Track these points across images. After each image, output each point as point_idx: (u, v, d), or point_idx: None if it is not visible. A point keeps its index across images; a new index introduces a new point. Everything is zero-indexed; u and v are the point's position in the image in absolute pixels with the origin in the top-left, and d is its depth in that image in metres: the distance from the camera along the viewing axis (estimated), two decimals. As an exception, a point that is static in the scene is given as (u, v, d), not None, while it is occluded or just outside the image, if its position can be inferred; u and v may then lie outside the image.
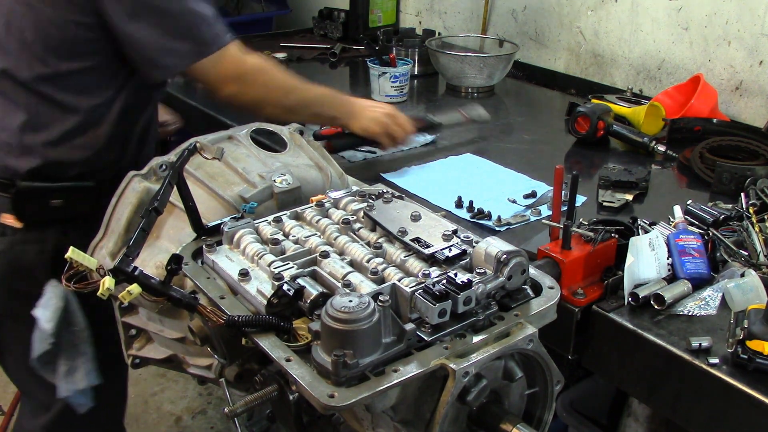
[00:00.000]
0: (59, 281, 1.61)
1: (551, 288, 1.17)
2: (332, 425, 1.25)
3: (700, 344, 1.21)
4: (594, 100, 2.39)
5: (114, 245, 1.40)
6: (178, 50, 1.58)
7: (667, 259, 1.39)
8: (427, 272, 1.11)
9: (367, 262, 1.17)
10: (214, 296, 1.16)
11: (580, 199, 1.73)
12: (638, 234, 1.46)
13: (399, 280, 1.09)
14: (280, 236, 1.26)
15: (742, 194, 1.63)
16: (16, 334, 1.67)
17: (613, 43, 2.68)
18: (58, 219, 1.66)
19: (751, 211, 1.54)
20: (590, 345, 1.37)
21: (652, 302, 1.32)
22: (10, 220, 1.65)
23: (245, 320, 1.06)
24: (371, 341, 0.97)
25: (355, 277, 1.12)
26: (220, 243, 1.28)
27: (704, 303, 1.32)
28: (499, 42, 2.87)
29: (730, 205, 1.61)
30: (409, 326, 1.01)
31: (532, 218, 1.68)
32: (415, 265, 1.15)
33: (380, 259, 1.18)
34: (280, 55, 3.06)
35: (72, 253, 1.10)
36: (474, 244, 1.16)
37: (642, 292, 1.32)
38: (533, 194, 1.79)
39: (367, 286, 1.10)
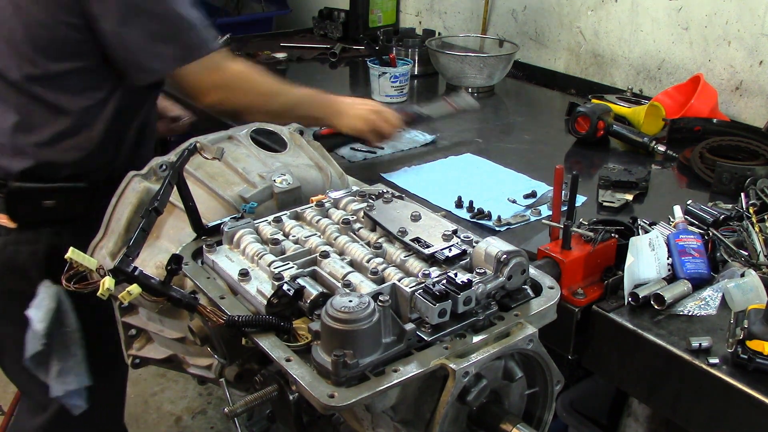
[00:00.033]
0: (52, 281, 1.63)
1: (551, 288, 1.17)
2: (332, 425, 1.25)
3: (700, 344, 1.21)
4: (594, 100, 2.39)
5: (114, 245, 1.40)
6: (163, 54, 1.58)
7: (667, 259, 1.39)
8: (427, 272, 1.11)
9: (367, 262, 1.17)
10: (214, 296, 1.16)
11: (580, 199, 1.73)
12: (638, 234, 1.46)
13: (399, 280, 1.09)
14: (280, 236, 1.26)
15: (742, 194, 1.63)
16: (12, 334, 1.67)
17: (613, 43, 2.68)
18: (51, 219, 1.66)
19: (751, 211, 1.54)
20: (590, 345, 1.37)
21: (652, 302, 1.32)
22: (3, 220, 1.65)
23: (245, 320, 1.06)
24: (371, 341, 0.97)
25: (355, 277, 1.12)
26: (220, 243, 1.28)
27: (704, 303, 1.32)
28: (499, 42, 2.87)
29: (730, 205, 1.61)
30: (409, 326, 1.01)
31: (532, 218, 1.68)
32: (415, 265, 1.15)
33: (380, 259, 1.18)
34: (280, 55, 3.06)
35: (72, 253, 1.10)
36: (474, 244, 1.16)
37: (642, 292, 1.32)
38: (533, 194, 1.79)
39: (367, 286, 1.10)
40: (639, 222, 1.52)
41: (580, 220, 1.45)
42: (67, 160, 1.64)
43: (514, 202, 1.76)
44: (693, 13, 2.41)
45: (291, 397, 1.13)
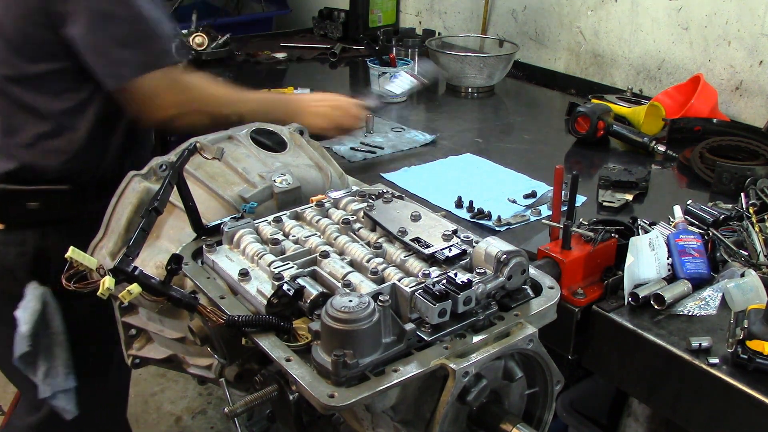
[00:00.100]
0: (39, 283, 1.63)
1: (551, 288, 1.17)
2: (332, 425, 1.25)
3: (700, 344, 1.21)
4: (594, 100, 2.39)
5: (114, 245, 1.40)
6: (129, 59, 1.56)
7: (667, 259, 1.39)
8: (427, 272, 1.11)
9: (367, 262, 1.17)
10: (214, 296, 1.16)
11: (580, 199, 1.73)
12: (638, 234, 1.46)
13: (399, 280, 1.09)
14: (280, 236, 1.26)
15: (742, 194, 1.63)
16: (3, 335, 1.68)
17: (613, 43, 2.68)
18: (36, 221, 1.66)
19: (751, 211, 1.54)
20: (590, 345, 1.37)
21: (652, 302, 1.32)
22: None
23: (245, 320, 1.06)
24: (371, 341, 0.97)
25: (355, 277, 1.12)
26: (220, 243, 1.28)
27: (704, 303, 1.32)
28: (499, 42, 2.88)
29: (730, 205, 1.61)
30: (409, 326, 1.01)
31: (532, 218, 1.68)
32: (415, 265, 1.15)
33: (380, 259, 1.18)
34: (280, 55, 3.06)
35: (72, 252, 1.10)
36: (474, 244, 1.16)
37: (642, 292, 1.32)
38: (533, 194, 1.79)
39: (367, 286, 1.10)
40: (639, 222, 1.52)
41: (580, 220, 1.45)
42: (51, 162, 1.63)
43: (514, 202, 1.76)
44: (693, 13, 2.41)
45: (291, 397, 1.13)
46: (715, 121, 2.15)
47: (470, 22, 3.22)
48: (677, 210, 1.55)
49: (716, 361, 1.19)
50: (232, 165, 1.44)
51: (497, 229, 1.63)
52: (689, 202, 1.59)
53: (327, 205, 1.36)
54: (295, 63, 3.04)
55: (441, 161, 2.04)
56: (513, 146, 2.19)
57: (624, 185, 1.78)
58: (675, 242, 1.41)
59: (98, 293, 1.06)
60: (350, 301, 0.96)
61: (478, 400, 1.03)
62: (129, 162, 1.69)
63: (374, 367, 0.98)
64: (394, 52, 2.66)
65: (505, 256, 1.09)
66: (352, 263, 1.18)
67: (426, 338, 1.02)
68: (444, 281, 1.04)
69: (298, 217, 1.35)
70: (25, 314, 1.58)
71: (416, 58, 2.60)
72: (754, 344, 1.16)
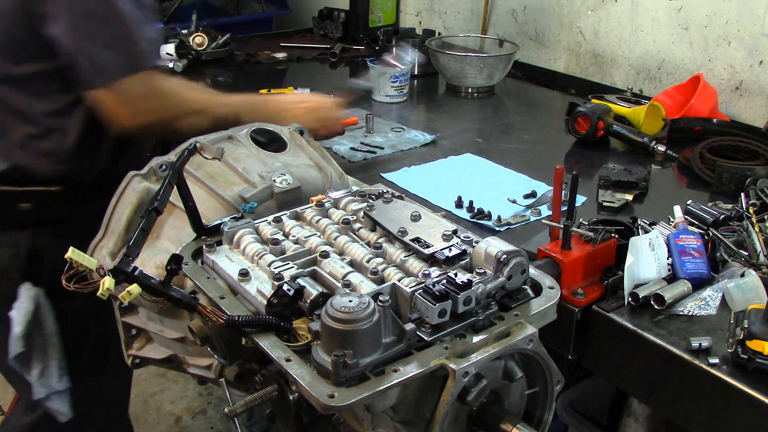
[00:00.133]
0: (33, 284, 1.63)
1: (551, 288, 1.17)
2: (332, 425, 1.25)
3: (700, 344, 1.21)
4: (594, 100, 2.39)
5: (114, 245, 1.40)
6: (110, 60, 1.53)
7: (667, 259, 1.39)
8: (427, 272, 1.11)
9: (367, 262, 1.17)
10: (214, 296, 1.16)
11: (580, 199, 1.73)
12: (638, 234, 1.46)
13: (399, 280, 1.09)
14: (280, 236, 1.26)
15: (742, 194, 1.63)
16: (2, 334, 1.68)
17: (613, 43, 2.68)
18: (29, 222, 1.66)
19: (751, 211, 1.54)
20: (590, 345, 1.37)
21: (652, 302, 1.32)
22: None
23: (245, 320, 1.06)
24: (371, 341, 0.97)
25: (355, 277, 1.12)
26: (220, 243, 1.28)
27: (704, 303, 1.32)
28: (499, 42, 2.88)
29: (730, 205, 1.61)
30: (409, 326, 1.01)
31: (532, 218, 1.68)
32: (415, 265, 1.15)
33: (380, 259, 1.18)
34: (280, 55, 3.06)
35: (72, 253, 1.10)
36: (474, 244, 1.16)
37: (642, 292, 1.32)
38: (533, 194, 1.79)
39: (367, 286, 1.09)
40: (639, 222, 1.52)
41: (580, 220, 1.45)
42: (42, 163, 1.62)
43: (514, 202, 1.76)
44: (693, 13, 2.41)
45: (291, 397, 1.13)
46: (715, 121, 2.15)
47: (470, 22, 3.22)
48: (677, 210, 1.55)
49: (716, 361, 1.19)
50: (232, 165, 1.44)
51: (497, 229, 1.63)
52: (689, 202, 1.59)
53: (327, 205, 1.36)
54: (295, 63, 3.04)
55: (441, 161, 2.04)
56: (513, 146, 2.19)
57: (624, 185, 1.78)
58: (675, 242, 1.41)
59: (98, 293, 1.06)
60: (350, 301, 0.96)
61: (478, 400, 1.03)
62: (124, 164, 1.68)
63: (374, 367, 0.98)
64: (394, 52, 2.66)
65: (505, 256, 1.09)
66: (352, 263, 1.18)
67: (426, 338, 1.02)
68: (444, 281, 1.04)
69: (298, 217, 1.35)
70: (18, 315, 1.58)
71: (394, 50, 2.60)
72: (754, 344, 1.16)
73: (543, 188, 1.81)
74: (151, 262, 1.33)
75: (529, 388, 1.15)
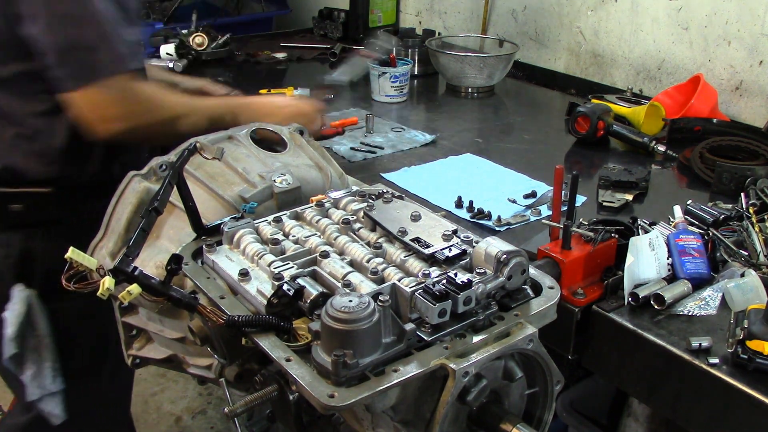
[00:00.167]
0: (24, 285, 1.63)
1: (551, 288, 1.17)
2: (332, 425, 1.25)
3: (700, 344, 1.21)
4: (594, 100, 2.39)
5: (114, 245, 1.40)
6: (87, 62, 1.50)
7: (667, 259, 1.39)
8: (427, 272, 1.11)
9: (367, 262, 1.17)
10: (214, 296, 1.16)
11: (580, 199, 1.73)
12: (638, 234, 1.46)
13: (399, 280, 1.09)
14: (280, 236, 1.26)
15: (742, 194, 1.63)
16: None
17: (613, 43, 2.68)
18: (21, 224, 1.65)
19: (751, 211, 1.54)
20: (590, 345, 1.37)
21: (652, 302, 1.32)
22: None
23: (245, 320, 1.06)
24: (371, 341, 0.97)
25: (355, 277, 1.12)
26: (220, 243, 1.28)
27: (704, 303, 1.32)
28: (499, 42, 2.88)
29: (730, 205, 1.61)
30: (409, 326, 1.01)
31: (532, 218, 1.68)
32: (415, 265, 1.15)
33: (380, 259, 1.18)
34: (280, 55, 3.06)
35: (72, 252, 1.10)
36: (474, 244, 1.16)
37: (642, 292, 1.32)
38: (533, 194, 1.79)
39: (367, 286, 1.09)
40: (639, 222, 1.52)
41: (580, 220, 1.45)
42: (31, 165, 1.62)
43: (514, 202, 1.76)
44: (693, 13, 2.41)
45: (291, 397, 1.13)
46: (715, 121, 2.15)
47: (470, 22, 3.22)
48: (677, 210, 1.55)
49: (716, 361, 1.19)
50: (232, 165, 1.44)
51: (497, 229, 1.63)
52: (689, 202, 1.59)
53: (327, 205, 1.36)
54: (295, 63, 3.04)
55: (441, 161, 2.04)
56: (513, 146, 2.19)
57: (624, 185, 1.78)
58: (675, 242, 1.41)
59: (98, 293, 1.06)
60: (350, 301, 0.96)
61: (478, 400, 1.03)
62: (117, 165, 1.67)
63: (374, 367, 0.98)
64: (394, 52, 2.66)
65: (505, 256, 1.09)
66: (352, 263, 1.18)
67: (426, 338, 1.02)
68: (444, 281, 1.04)
69: (298, 217, 1.35)
70: (11, 317, 1.58)
71: (377, 35, 2.61)
72: (754, 344, 1.16)
73: (543, 188, 1.81)
74: (151, 262, 1.33)
75: (529, 388, 1.15)
